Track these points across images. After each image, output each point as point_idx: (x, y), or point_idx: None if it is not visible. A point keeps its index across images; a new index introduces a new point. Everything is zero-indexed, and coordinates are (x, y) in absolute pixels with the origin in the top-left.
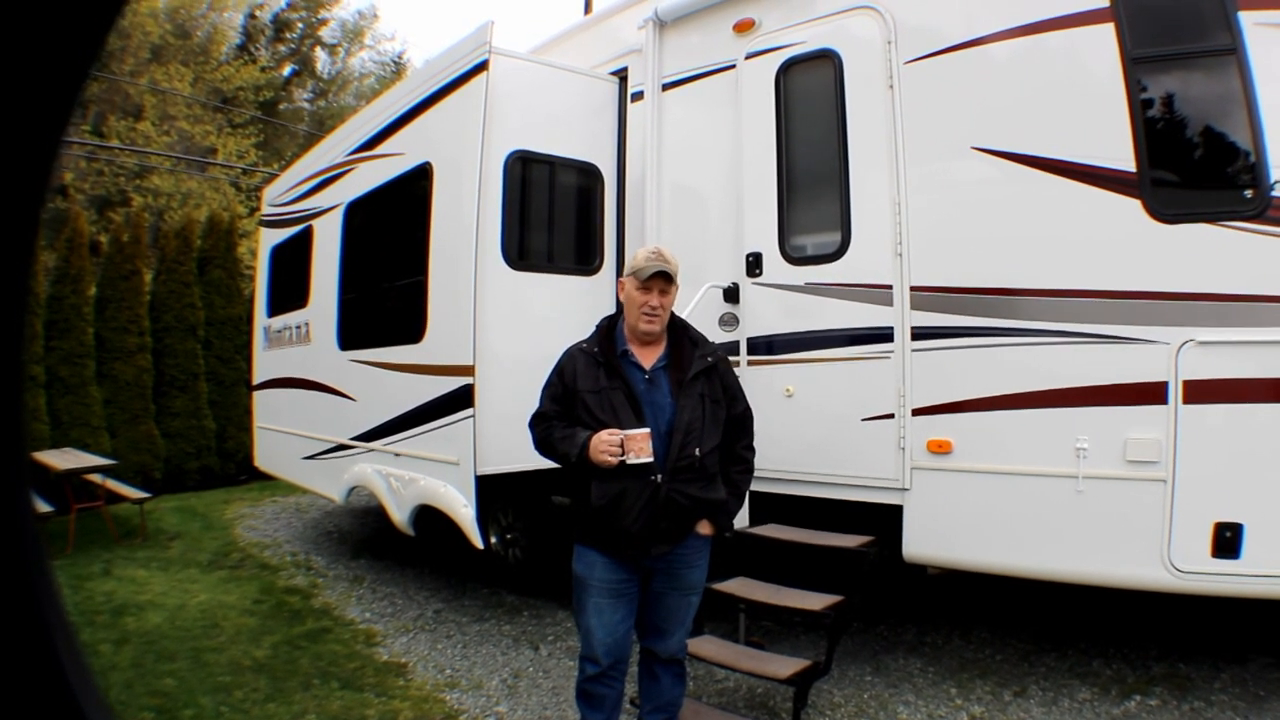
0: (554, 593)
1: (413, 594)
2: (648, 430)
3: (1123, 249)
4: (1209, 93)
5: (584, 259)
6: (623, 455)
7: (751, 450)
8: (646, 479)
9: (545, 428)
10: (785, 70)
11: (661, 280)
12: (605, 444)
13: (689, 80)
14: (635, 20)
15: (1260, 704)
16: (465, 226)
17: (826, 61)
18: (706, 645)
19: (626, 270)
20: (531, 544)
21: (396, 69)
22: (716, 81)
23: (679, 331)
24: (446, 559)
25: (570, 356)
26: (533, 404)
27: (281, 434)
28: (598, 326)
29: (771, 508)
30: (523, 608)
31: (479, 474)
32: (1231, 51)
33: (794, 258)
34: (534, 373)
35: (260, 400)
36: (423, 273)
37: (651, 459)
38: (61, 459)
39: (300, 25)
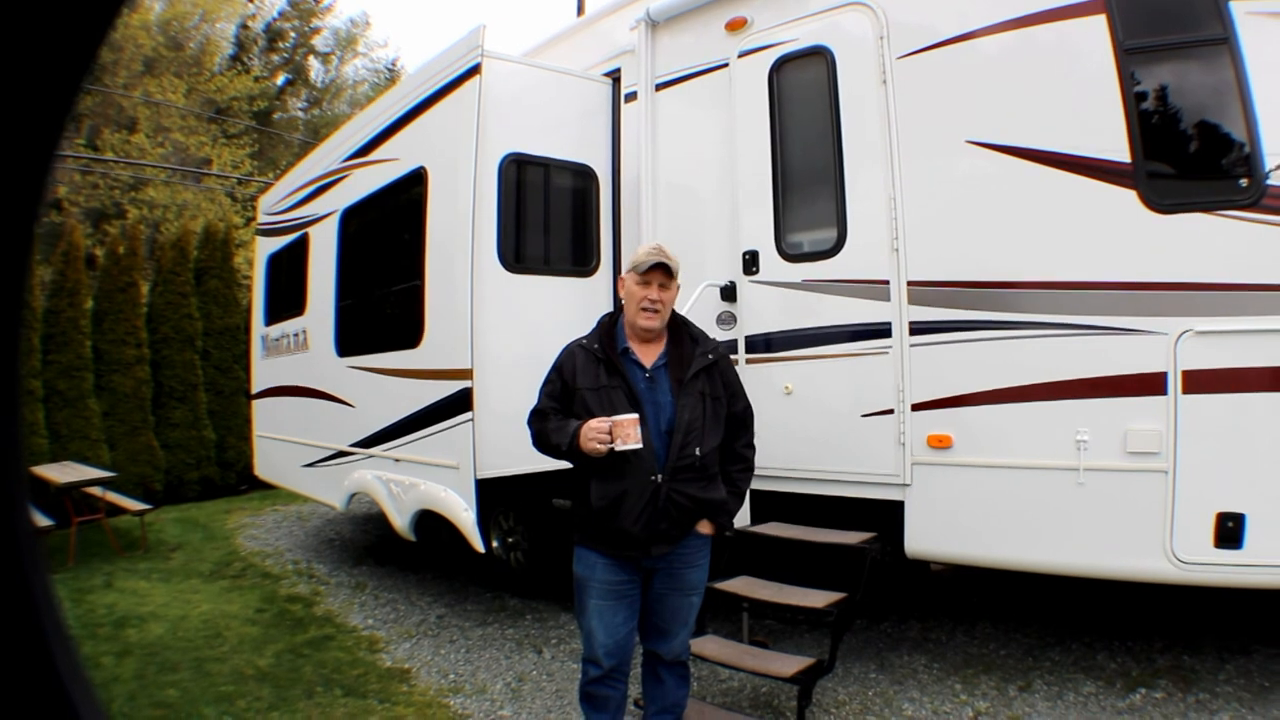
0: (557, 595)
1: (415, 600)
2: (635, 416)
3: (1119, 240)
4: (1202, 83)
5: (580, 260)
6: (611, 442)
7: (752, 448)
8: (647, 479)
9: (542, 424)
10: (778, 68)
11: (661, 273)
12: (594, 431)
13: (682, 80)
14: (627, 21)
15: (1265, 695)
16: (461, 230)
17: (819, 58)
18: (710, 645)
19: (627, 266)
20: (533, 547)
21: (390, 76)
22: (710, 81)
23: (679, 329)
24: (448, 564)
25: (570, 353)
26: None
27: (281, 442)
28: (598, 323)
29: (773, 506)
30: (526, 611)
31: (479, 478)
32: (1224, 41)
33: (791, 255)
34: (532, 375)
35: (259, 409)
36: (419, 277)
37: (640, 445)
38: (61, 472)
39: (293, 34)
